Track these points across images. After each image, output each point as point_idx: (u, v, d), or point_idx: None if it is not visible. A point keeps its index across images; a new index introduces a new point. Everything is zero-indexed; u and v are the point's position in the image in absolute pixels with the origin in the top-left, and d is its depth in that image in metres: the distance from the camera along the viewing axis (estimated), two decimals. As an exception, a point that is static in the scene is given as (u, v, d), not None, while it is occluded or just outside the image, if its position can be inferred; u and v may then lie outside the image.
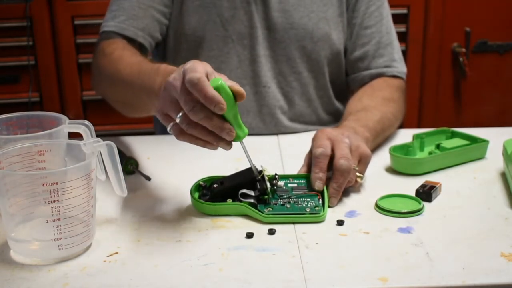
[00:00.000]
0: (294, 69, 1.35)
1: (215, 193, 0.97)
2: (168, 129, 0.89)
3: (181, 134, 0.88)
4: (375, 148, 1.19)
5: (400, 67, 1.36)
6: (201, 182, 1.01)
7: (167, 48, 1.37)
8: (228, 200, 0.96)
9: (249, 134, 1.33)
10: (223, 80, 0.85)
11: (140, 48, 1.28)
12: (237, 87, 0.86)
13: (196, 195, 0.99)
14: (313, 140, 1.05)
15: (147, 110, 1.03)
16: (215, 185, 0.98)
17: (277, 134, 1.36)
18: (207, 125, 0.85)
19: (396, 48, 1.38)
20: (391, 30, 1.38)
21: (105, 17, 1.31)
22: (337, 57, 1.37)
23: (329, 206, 0.98)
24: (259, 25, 1.32)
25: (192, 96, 0.83)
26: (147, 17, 1.28)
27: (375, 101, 1.25)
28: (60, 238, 0.81)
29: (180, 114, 0.85)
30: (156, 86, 0.94)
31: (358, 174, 1.01)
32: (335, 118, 1.43)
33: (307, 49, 1.34)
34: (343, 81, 1.43)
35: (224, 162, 1.13)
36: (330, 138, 1.03)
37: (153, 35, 1.30)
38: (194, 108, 0.83)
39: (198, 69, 0.84)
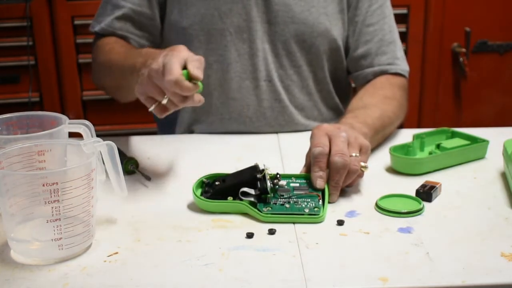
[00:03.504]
0: (294, 62, 1.36)
1: (217, 191, 0.97)
2: (150, 109, 1.00)
3: (163, 111, 1.00)
4: (375, 147, 1.19)
5: (403, 65, 1.37)
6: (204, 179, 1.01)
7: (164, 43, 1.38)
8: (229, 198, 0.96)
9: (249, 132, 1.35)
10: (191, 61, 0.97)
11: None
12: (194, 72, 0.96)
13: (198, 191, 0.99)
14: (311, 138, 1.05)
15: (132, 90, 1.13)
16: (217, 183, 0.99)
17: (277, 129, 1.36)
18: (186, 104, 0.98)
19: (399, 46, 1.38)
20: (394, 29, 1.38)
21: (94, 17, 1.37)
22: (336, 52, 1.38)
23: (329, 202, 0.98)
24: (258, 18, 1.32)
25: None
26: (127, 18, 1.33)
27: (376, 99, 1.25)
28: (60, 238, 0.82)
29: (166, 97, 0.97)
30: (137, 65, 1.05)
31: (362, 164, 1.01)
32: (337, 113, 1.43)
33: (307, 43, 1.35)
34: (343, 76, 1.44)
35: (224, 162, 1.13)
36: (327, 134, 1.02)
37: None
38: (175, 94, 0.96)
39: (173, 69, 0.93)
